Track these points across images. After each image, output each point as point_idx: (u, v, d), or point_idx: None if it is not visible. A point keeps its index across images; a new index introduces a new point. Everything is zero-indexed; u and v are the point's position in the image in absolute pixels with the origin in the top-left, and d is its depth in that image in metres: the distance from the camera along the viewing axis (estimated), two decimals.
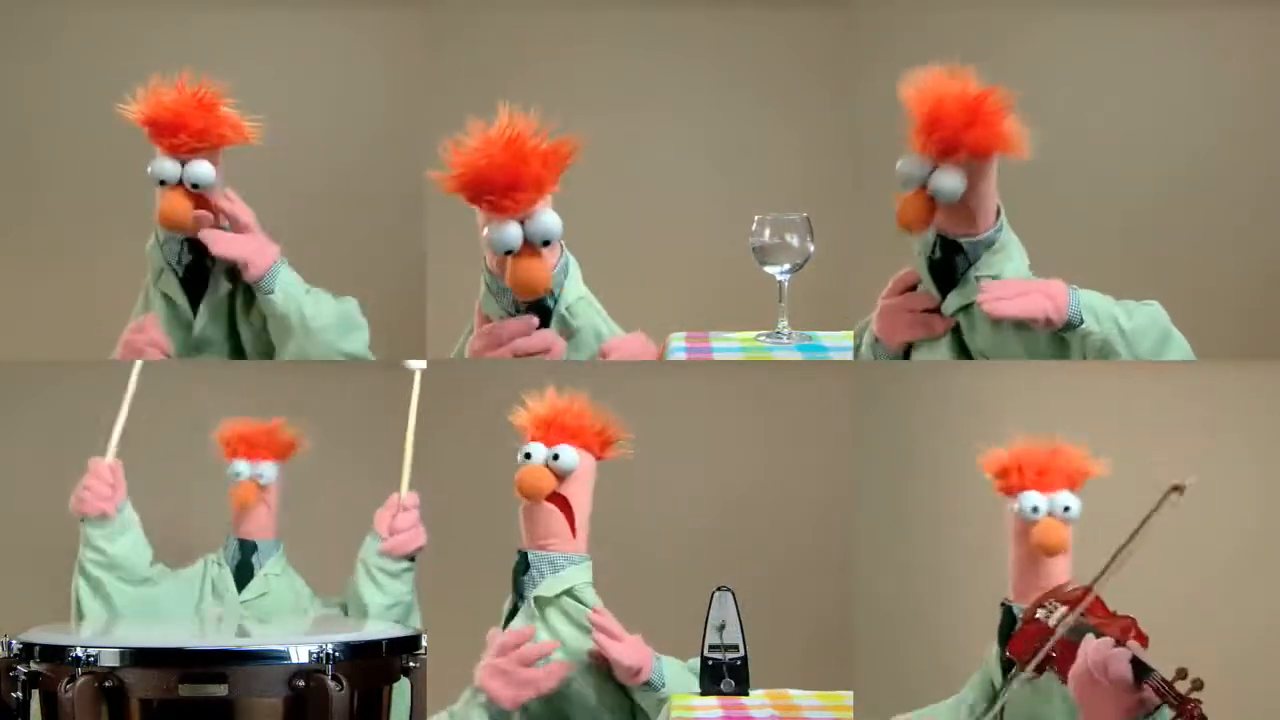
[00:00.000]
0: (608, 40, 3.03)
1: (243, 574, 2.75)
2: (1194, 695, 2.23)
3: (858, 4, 2.98)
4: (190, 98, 2.59)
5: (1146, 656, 2.28)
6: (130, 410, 2.70)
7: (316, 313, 2.66)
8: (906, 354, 2.58)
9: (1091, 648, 2.29)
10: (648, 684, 2.53)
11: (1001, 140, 2.42)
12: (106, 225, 2.97)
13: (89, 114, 2.99)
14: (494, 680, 2.52)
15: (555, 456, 2.54)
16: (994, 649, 2.53)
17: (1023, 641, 2.39)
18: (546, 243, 2.50)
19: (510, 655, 2.52)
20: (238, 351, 2.70)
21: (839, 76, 2.98)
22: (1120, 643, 2.29)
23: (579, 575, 2.58)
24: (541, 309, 2.56)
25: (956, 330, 2.54)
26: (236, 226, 2.63)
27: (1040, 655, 2.34)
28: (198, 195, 2.60)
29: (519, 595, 2.57)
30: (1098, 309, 2.48)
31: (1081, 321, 2.48)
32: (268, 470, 2.75)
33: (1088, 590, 2.36)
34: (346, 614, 2.69)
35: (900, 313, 2.55)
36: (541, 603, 2.56)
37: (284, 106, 2.94)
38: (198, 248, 2.65)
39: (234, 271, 2.65)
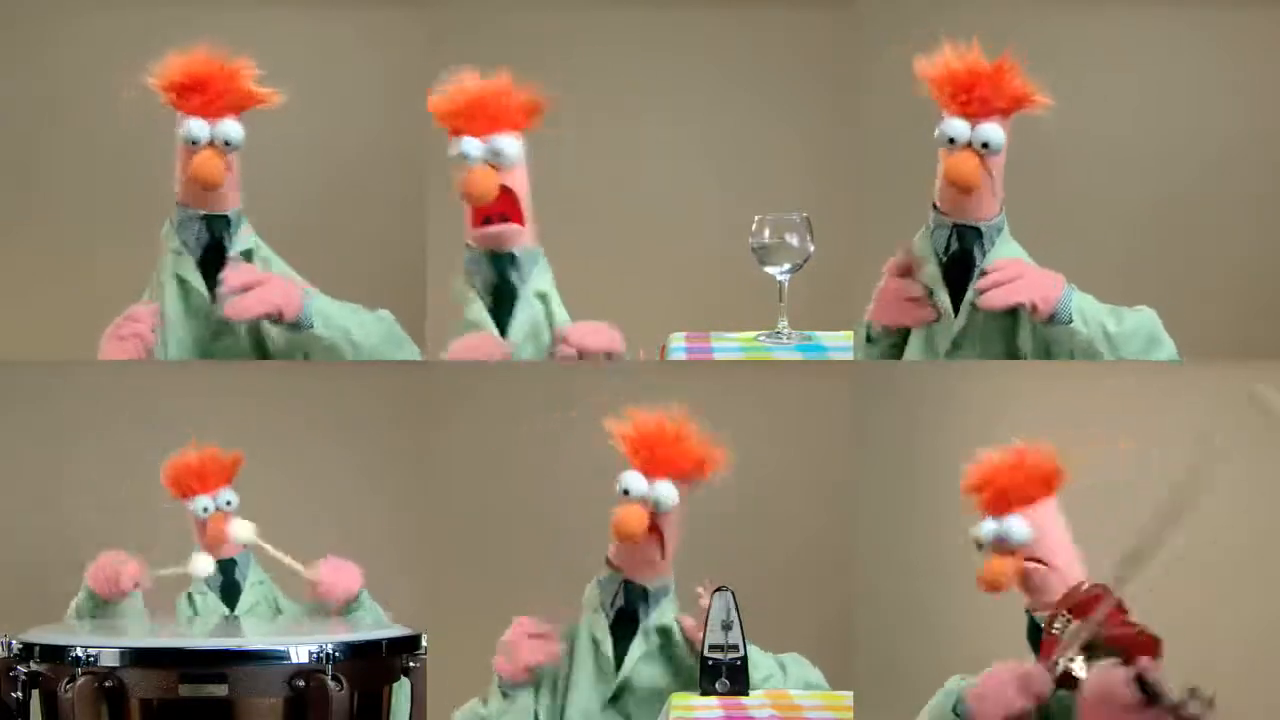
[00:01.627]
0: (608, 40, 3.02)
1: (229, 592, 2.74)
2: (1202, 713, 2.20)
3: (859, 3, 2.98)
4: (212, 63, 2.62)
5: (1155, 673, 2.25)
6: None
7: (363, 333, 2.66)
8: (904, 338, 2.58)
9: (1095, 671, 2.26)
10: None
11: (1024, 95, 2.47)
12: (106, 225, 2.97)
13: (90, 114, 3.00)
14: (499, 658, 2.55)
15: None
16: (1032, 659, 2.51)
17: (1046, 654, 2.37)
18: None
19: (513, 632, 2.53)
20: (258, 342, 2.68)
21: (840, 76, 2.98)
22: (1129, 660, 2.26)
23: (672, 604, 2.61)
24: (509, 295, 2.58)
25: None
26: (252, 285, 2.62)
27: (1056, 671, 2.32)
28: (226, 157, 2.61)
29: (630, 618, 2.58)
30: (1086, 312, 2.49)
31: (1070, 320, 2.48)
32: (231, 496, 2.73)
33: (1095, 598, 2.33)
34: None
35: (897, 300, 2.56)
36: (663, 631, 2.59)
37: (284, 106, 2.94)
38: (215, 227, 2.65)
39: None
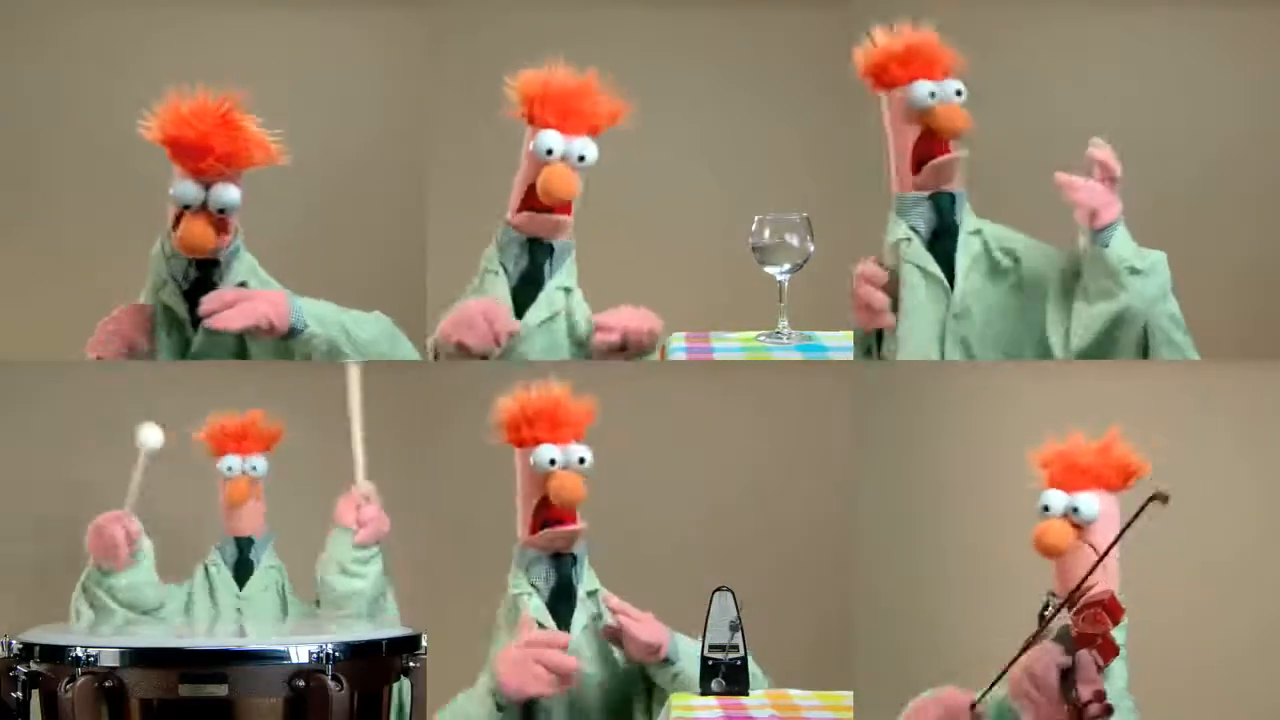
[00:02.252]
0: (608, 40, 3.02)
1: (241, 570, 2.74)
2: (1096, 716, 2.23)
3: (858, 4, 2.98)
4: (213, 115, 2.49)
5: (1087, 671, 2.26)
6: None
7: (360, 328, 2.64)
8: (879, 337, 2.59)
9: (1027, 658, 2.29)
10: (666, 660, 2.54)
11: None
12: (107, 226, 2.97)
13: (90, 114, 3.00)
14: (505, 665, 2.52)
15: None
16: None
17: (1027, 644, 2.38)
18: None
19: (530, 648, 2.52)
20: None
21: (839, 76, 2.98)
22: (1067, 651, 2.28)
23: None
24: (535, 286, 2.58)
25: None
26: (233, 303, 2.54)
27: (1021, 649, 2.34)
28: (220, 219, 2.50)
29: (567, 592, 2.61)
30: (1121, 248, 2.48)
31: (1107, 245, 2.46)
32: (260, 463, 2.74)
33: (1080, 595, 2.34)
34: (319, 608, 2.70)
35: (859, 306, 2.58)
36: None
37: (284, 107, 2.94)
38: (205, 266, 2.57)
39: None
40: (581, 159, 2.55)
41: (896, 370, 2.66)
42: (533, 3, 3.02)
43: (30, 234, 3.04)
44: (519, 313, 2.58)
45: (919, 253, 2.53)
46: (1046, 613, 2.39)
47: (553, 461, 2.57)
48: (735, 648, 2.53)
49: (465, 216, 2.67)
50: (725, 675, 2.52)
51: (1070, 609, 2.35)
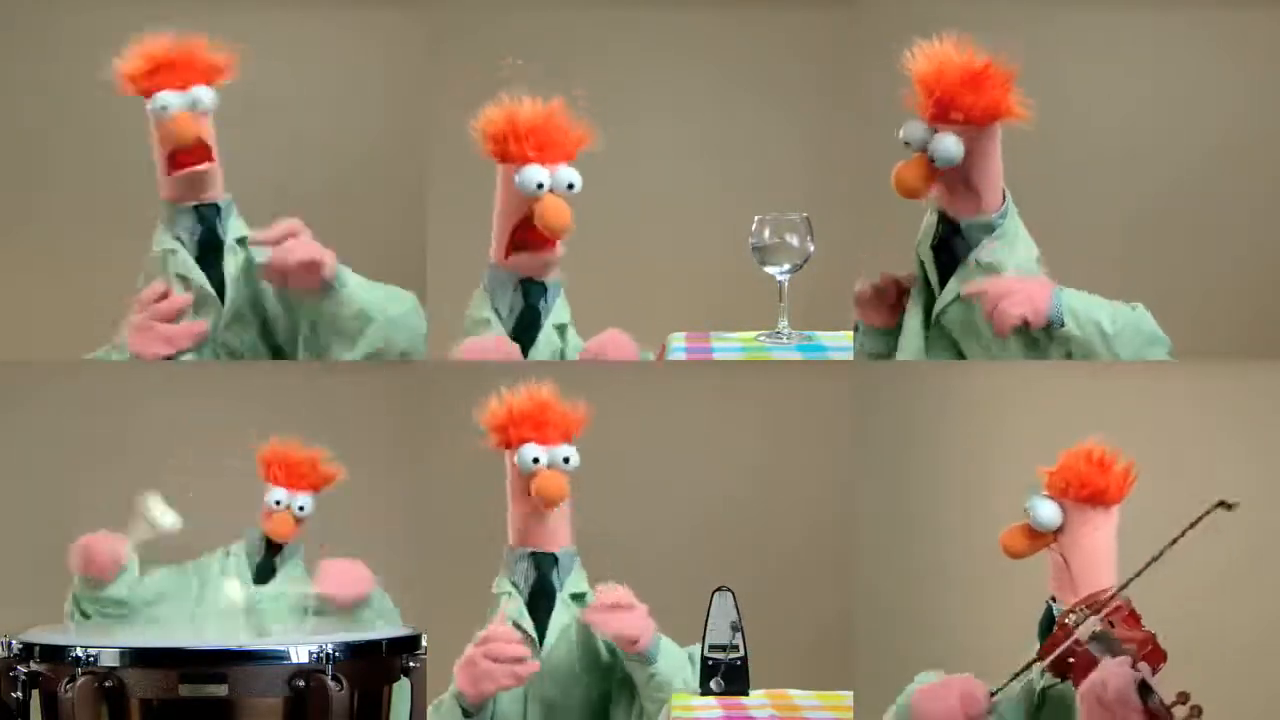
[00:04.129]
0: (608, 40, 3.02)
1: (263, 572, 2.74)
2: None
3: (859, 3, 2.98)
4: (173, 44, 2.63)
5: (1154, 679, 2.27)
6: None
7: (393, 301, 2.66)
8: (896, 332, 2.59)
9: (1100, 666, 2.28)
10: (645, 657, 2.53)
11: (1001, 105, 2.44)
12: (106, 225, 2.97)
13: (89, 114, 3.00)
14: (461, 670, 2.53)
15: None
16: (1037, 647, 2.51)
17: (1051, 644, 2.38)
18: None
19: (479, 646, 2.52)
20: (267, 330, 2.68)
21: (840, 76, 2.98)
22: (1133, 664, 2.28)
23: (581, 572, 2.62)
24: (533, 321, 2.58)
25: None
26: (288, 234, 2.62)
27: (1052, 656, 2.34)
28: (200, 116, 2.62)
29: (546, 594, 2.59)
30: (1080, 312, 2.48)
31: (1062, 324, 2.48)
32: (307, 503, 2.74)
33: (1111, 598, 2.35)
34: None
35: (861, 300, 2.59)
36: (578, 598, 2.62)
37: (285, 106, 2.95)
38: (207, 216, 2.64)
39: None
40: (570, 187, 2.54)
41: (896, 370, 2.66)
42: (532, 3, 3.02)
43: (30, 234, 3.03)
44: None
45: (926, 255, 2.54)
46: (1068, 619, 2.38)
47: (536, 460, 2.57)
48: (735, 648, 2.53)
49: (465, 217, 2.67)
50: (725, 675, 2.52)
51: (1086, 612, 2.35)
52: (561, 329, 2.61)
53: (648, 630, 2.54)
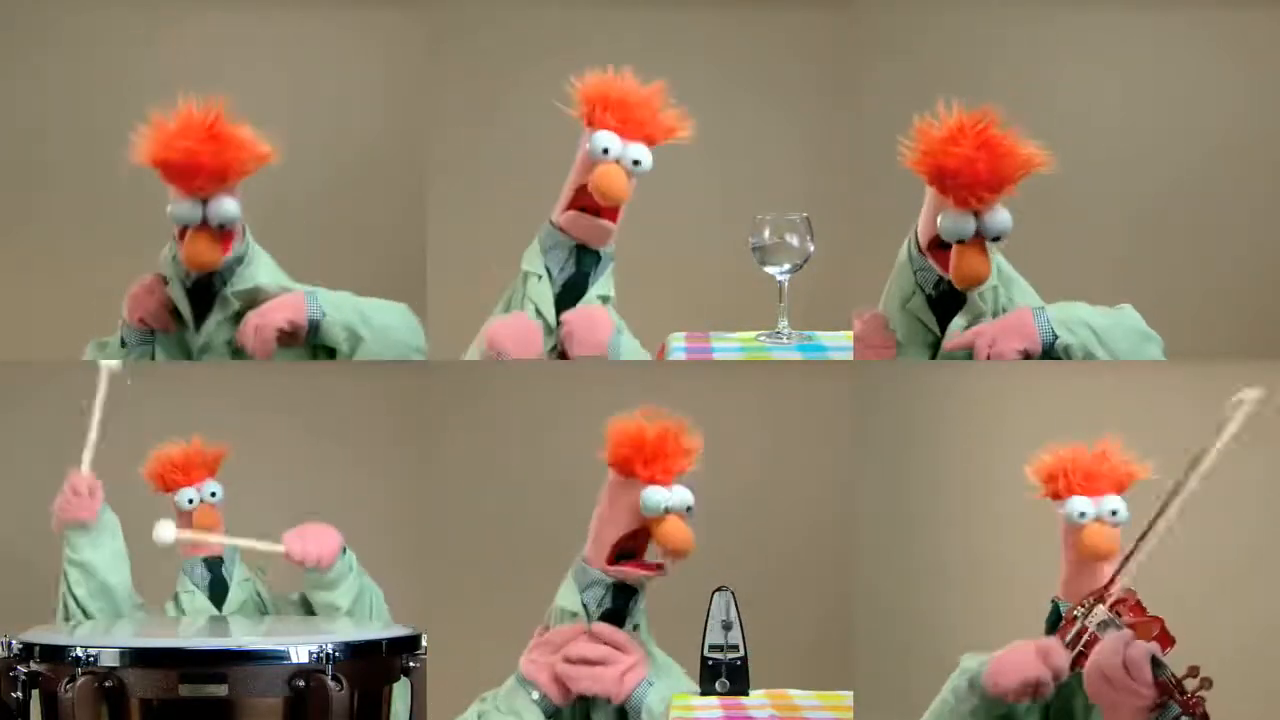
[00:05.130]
0: (608, 41, 3.02)
1: (218, 589, 2.72)
2: (1200, 693, 2.22)
3: (858, 4, 2.98)
4: (200, 129, 2.50)
5: (1161, 655, 2.27)
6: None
7: (378, 314, 2.63)
8: None
9: (1105, 643, 2.29)
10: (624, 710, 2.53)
11: (1026, 164, 2.42)
12: (106, 225, 2.97)
13: (89, 114, 3.00)
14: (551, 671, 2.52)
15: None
16: None
17: (1060, 638, 2.39)
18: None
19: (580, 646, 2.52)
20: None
21: (839, 77, 2.98)
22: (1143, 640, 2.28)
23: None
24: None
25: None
26: (255, 329, 2.59)
27: (1072, 640, 2.34)
28: (223, 233, 2.53)
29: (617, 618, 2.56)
30: (1066, 320, 2.49)
31: (1056, 338, 2.48)
32: (217, 488, 2.70)
33: (1113, 579, 2.35)
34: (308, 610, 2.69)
35: (863, 350, 2.56)
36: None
37: (284, 107, 2.95)
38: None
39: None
40: (636, 163, 2.54)
41: (896, 370, 2.66)
42: (533, 3, 3.02)
43: (30, 234, 3.04)
44: (557, 318, 2.58)
45: (922, 308, 2.54)
46: (1075, 613, 2.38)
47: (667, 510, 2.52)
48: (735, 648, 2.53)
49: (465, 216, 2.67)
50: (725, 675, 2.52)
51: (1093, 604, 2.36)
52: (605, 299, 2.61)
53: (623, 687, 2.52)
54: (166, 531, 2.62)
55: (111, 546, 2.64)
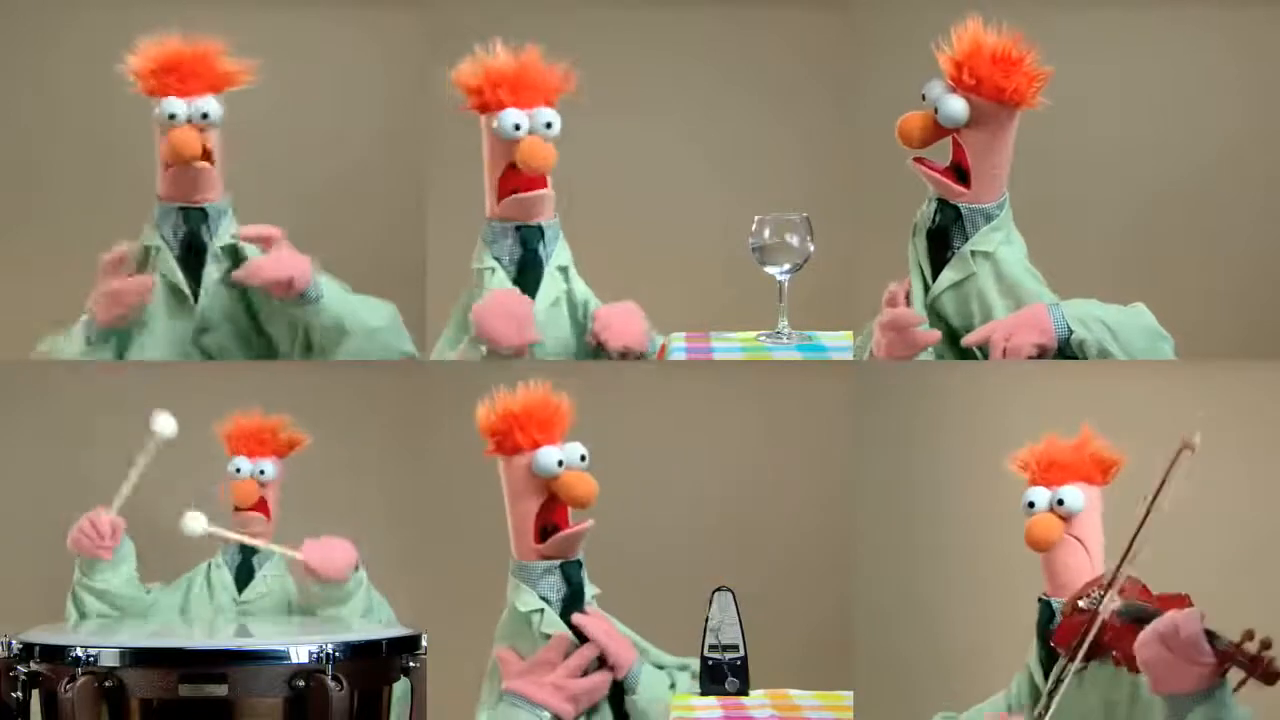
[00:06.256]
0: (608, 40, 3.02)
1: (243, 575, 2.73)
2: (1266, 654, 2.17)
3: (858, 4, 2.98)
4: (185, 47, 2.63)
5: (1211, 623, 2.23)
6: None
7: (371, 313, 2.66)
8: None
9: (1161, 618, 2.23)
10: (623, 685, 2.53)
11: (1022, 92, 2.47)
12: (106, 225, 2.97)
13: (89, 114, 3.00)
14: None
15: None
16: (1033, 647, 2.50)
17: (1067, 632, 2.37)
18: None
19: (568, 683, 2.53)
20: (243, 337, 2.68)
21: (839, 77, 2.98)
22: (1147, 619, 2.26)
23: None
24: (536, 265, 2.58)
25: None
26: (268, 244, 2.63)
27: (1085, 642, 2.32)
28: (203, 130, 2.62)
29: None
30: (1082, 316, 2.49)
31: (1071, 332, 2.48)
32: (268, 468, 2.72)
33: (1118, 568, 2.34)
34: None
35: (889, 333, 2.55)
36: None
37: (284, 106, 2.95)
38: (192, 220, 2.64)
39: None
40: (549, 126, 2.57)
41: (896, 370, 2.66)
42: (532, 3, 3.02)
43: (30, 234, 3.03)
44: None
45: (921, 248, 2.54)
46: (1082, 604, 2.38)
47: (562, 463, 2.56)
48: (735, 648, 2.53)
49: (465, 216, 2.67)
50: (725, 675, 2.52)
51: (1100, 593, 2.35)
52: (564, 270, 2.63)
53: (623, 660, 2.54)
54: (196, 524, 2.63)
55: (126, 572, 2.65)
